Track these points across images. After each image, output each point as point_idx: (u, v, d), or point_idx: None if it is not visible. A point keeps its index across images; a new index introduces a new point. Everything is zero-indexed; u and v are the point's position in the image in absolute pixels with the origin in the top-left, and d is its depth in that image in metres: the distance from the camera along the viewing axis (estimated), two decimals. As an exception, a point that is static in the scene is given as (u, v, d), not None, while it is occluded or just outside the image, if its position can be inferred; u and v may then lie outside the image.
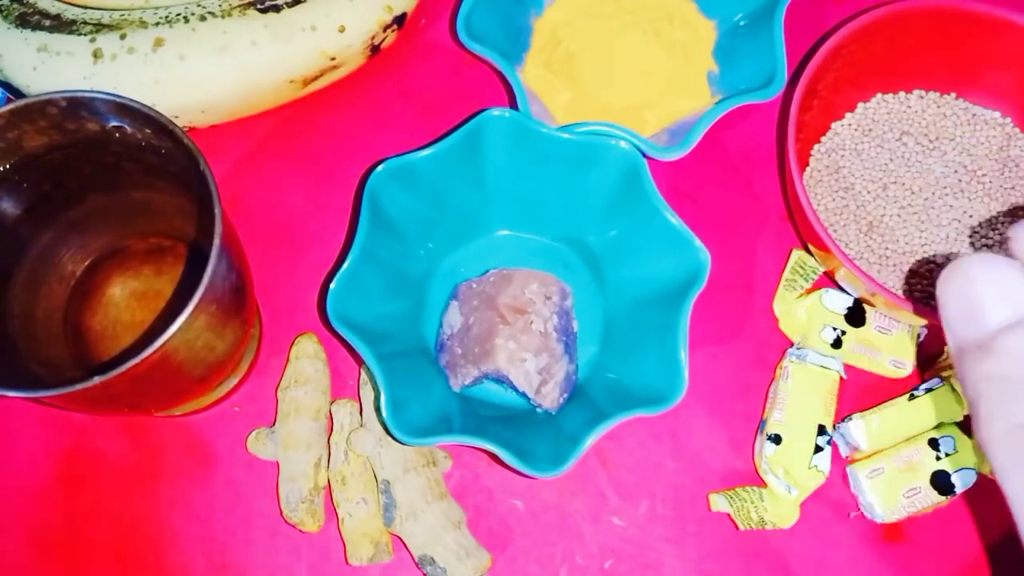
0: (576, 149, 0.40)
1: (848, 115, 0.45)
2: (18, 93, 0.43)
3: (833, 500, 0.41)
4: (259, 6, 0.43)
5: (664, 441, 0.42)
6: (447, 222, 0.42)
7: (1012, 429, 0.19)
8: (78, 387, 0.29)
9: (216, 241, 0.31)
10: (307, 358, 0.41)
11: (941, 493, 0.39)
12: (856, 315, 0.42)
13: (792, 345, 0.43)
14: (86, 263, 0.41)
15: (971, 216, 0.43)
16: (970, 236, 0.42)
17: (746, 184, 0.46)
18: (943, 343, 0.43)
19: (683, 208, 0.45)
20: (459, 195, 0.41)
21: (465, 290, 0.41)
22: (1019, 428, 0.19)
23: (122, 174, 0.37)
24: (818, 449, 0.40)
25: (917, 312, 0.37)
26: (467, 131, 0.39)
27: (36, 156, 0.35)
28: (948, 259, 0.42)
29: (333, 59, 0.45)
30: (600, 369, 0.41)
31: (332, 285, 0.37)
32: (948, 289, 0.21)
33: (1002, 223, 0.43)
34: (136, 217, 0.41)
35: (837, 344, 0.42)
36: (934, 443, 0.39)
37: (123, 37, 0.42)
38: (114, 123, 0.34)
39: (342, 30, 0.44)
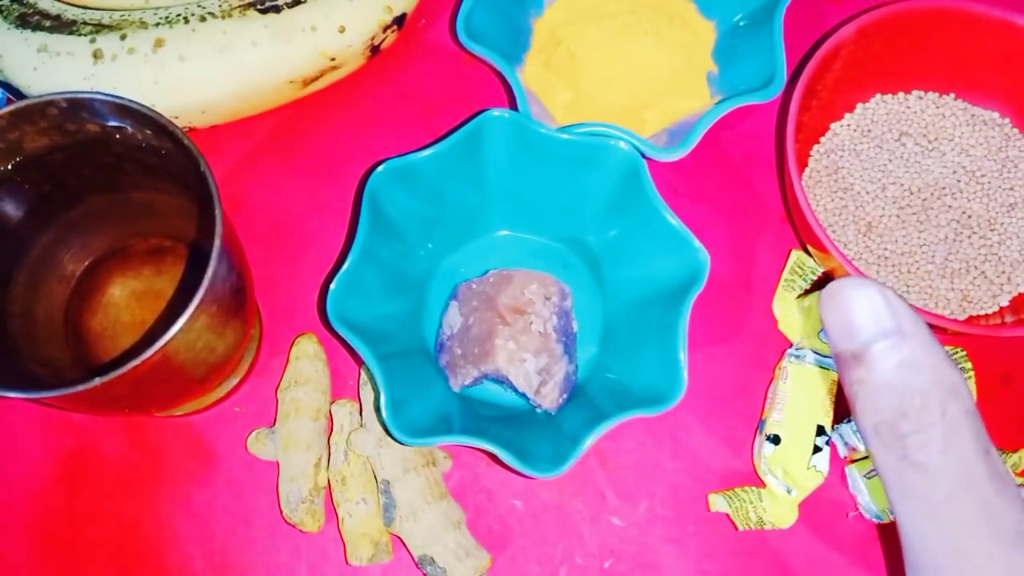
0: (576, 149, 0.40)
1: (847, 115, 0.46)
2: (18, 93, 0.43)
3: (832, 500, 0.41)
4: (259, 6, 0.43)
5: (664, 441, 0.42)
6: (447, 222, 0.42)
7: (878, 423, 0.24)
8: (79, 388, 0.29)
9: (217, 242, 0.31)
10: (307, 358, 0.42)
11: (940, 493, 0.39)
12: (855, 315, 0.42)
13: (791, 345, 0.43)
14: (86, 263, 0.41)
15: (970, 216, 0.43)
16: (969, 236, 0.43)
17: (746, 184, 0.46)
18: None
19: (683, 208, 0.45)
20: (459, 195, 0.42)
21: (465, 290, 0.41)
22: (883, 423, 0.24)
23: (122, 175, 0.37)
24: (817, 449, 0.40)
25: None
26: (467, 131, 0.39)
27: (37, 157, 0.35)
28: (947, 259, 0.42)
29: (333, 59, 0.45)
30: (600, 369, 0.41)
31: (332, 285, 0.37)
32: (828, 308, 0.25)
33: (1001, 223, 0.43)
34: (136, 218, 0.41)
35: (836, 344, 0.42)
36: (933, 443, 0.39)
37: (123, 38, 0.42)
38: (114, 124, 0.34)
39: (342, 30, 0.44)
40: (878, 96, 0.46)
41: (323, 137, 0.47)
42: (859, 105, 0.46)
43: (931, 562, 0.24)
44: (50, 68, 0.42)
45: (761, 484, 0.41)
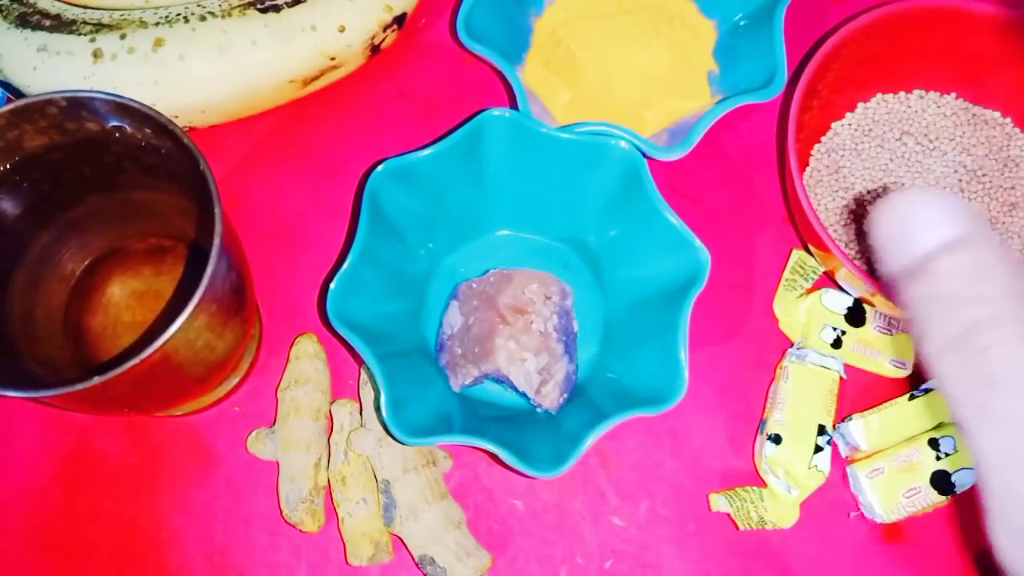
0: (576, 149, 0.40)
1: (848, 115, 0.45)
2: (18, 93, 0.43)
3: (833, 500, 0.41)
4: (259, 6, 0.43)
5: (664, 441, 0.42)
6: (447, 222, 0.42)
7: (948, 341, 0.21)
8: (78, 387, 0.29)
9: (216, 241, 0.31)
10: (307, 358, 0.41)
11: (941, 493, 0.39)
12: (856, 315, 0.42)
13: (792, 345, 0.43)
14: (86, 263, 0.41)
15: (971, 216, 0.43)
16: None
17: (746, 184, 0.46)
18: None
19: (683, 208, 0.45)
20: (459, 195, 0.41)
21: (465, 290, 0.41)
22: (954, 339, 0.21)
23: (122, 174, 0.37)
24: (818, 449, 0.40)
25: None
26: (467, 131, 0.39)
27: (36, 156, 0.35)
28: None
29: (333, 59, 0.45)
30: (600, 369, 0.41)
31: (332, 285, 0.37)
32: (883, 220, 0.23)
33: (1002, 223, 0.43)
34: (136, 217, 0.41)
35: (837, 344, 0.42)
36: (934, 443, 0.39)
37: (123, 37, 0.42)
38: (114, 123, 0.34)
39: (342, 30, 0.44)
40: (879, 95, 0.46)
41: (323, 137, 0.47)
42: (860, 104, 0.46)
43: (1018, 486, 0.21)
44: (50, 67, 0.42)
45: (762, 484, 0.41)
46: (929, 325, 0.22)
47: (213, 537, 0.41)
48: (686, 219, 0.39)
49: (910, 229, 0.22)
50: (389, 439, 0.39)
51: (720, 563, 0.40)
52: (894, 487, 0.39)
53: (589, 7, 0.47)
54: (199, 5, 0.43)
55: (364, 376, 0.42)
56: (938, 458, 0.39)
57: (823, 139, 0.45)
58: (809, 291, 0.43)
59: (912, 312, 0.22)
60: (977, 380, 0.21)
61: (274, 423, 0.41)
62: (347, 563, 0.39)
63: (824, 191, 0.44)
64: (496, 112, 0.39)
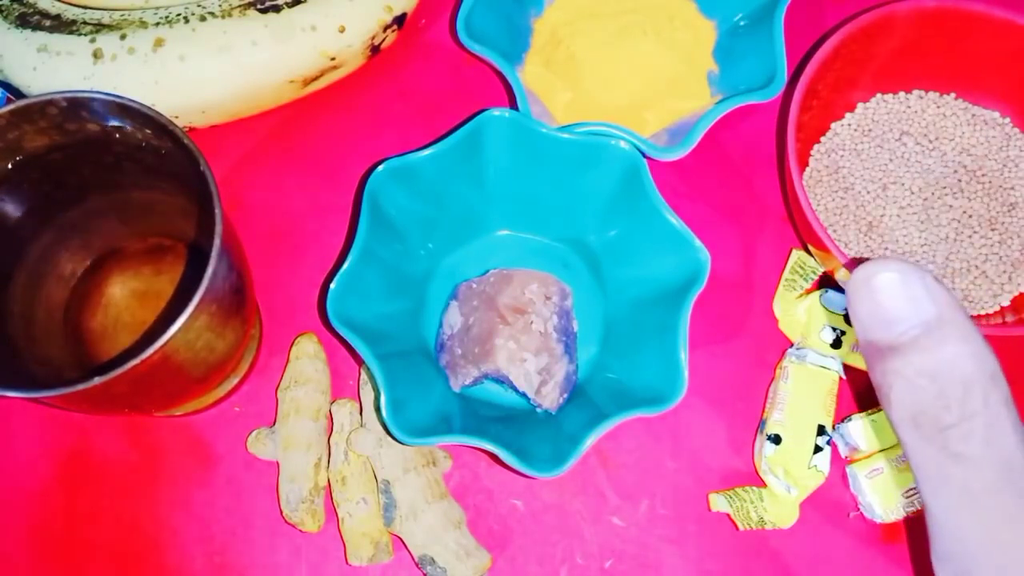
0: (576, 149, 0.40)
1: (848, 115, 0.45)
2: (18, 93, 0.43)
3: (833, 500, 0.41)
4: (259, 6, 0.43)
5: (664, 441, 0.42)
6: (447, 222, 0.42)
7: (916, 415, 0.23)
8: (78, 387, 0.29)
9: (216, 241, 0.31)
10: (307, 358, 0.42)
11: (941, 493, 0.39)
12: (856, 315, 0.42)
13: (792, 345, 0.43)
14: (86, 263, 0.41)
15: (971, 216, 0.43)
16: (970, 236, 0.42)
17: (746, 184, 0.46)
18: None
19: (683, 208, 0.45)
20: (459, 195, 0.42)
21: (465, 290, 0.41)
22: (922, 414, 0.23)
23: (122, 174, 0.37)
24: (818, 449, 0.40)
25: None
26: (467, 131, 0.39)
27: (36, 156, 0.35)
28: (948, 259, 0.42)
29: (333, 59, 0.45)
30: (600, 369, 0.41)
31: (332, 285, 0.37)
32: (859, 297, 0.24)
33: (1002, 223, 0.43)
34: (136, 217, 0.41)
35: (837, 344, 0.42)
36: (934, 443, 0.39)
37: (123, 37, 0.42)
38: (114, 123, 0.34)
39: (342, 30, 0.44)
40: (879, 95, 0.46)
41: (323, 137, 0.47)
42: (860, 105, 0.46)
43: (966, 553, 0.23)
44: (50, 68, 0.42)
45: (762, 484, 0.41)
46: (899, 398, 0.23)
47: (213, 537, 0.41)
48: (686, 219, 0.39)
49: (886, 307, 0.23)
50: (389, 439, 0.39)
51: (720, 563, 0.40)
52: (894, 487, 0.39)
53: (589, 7, 0.47)
54: (199, 5, 0.43)
55: (364, 376, 0.42)
56: (938, 458, 0.39)
57: (823, 139, 0.45)
58: (809, 291, 0.43)
59: (882, 382, 0.24)
60: (939, 452, 0.23)
61: (274, 423, 0.41)
62: (347, 563, 0.39)
63: (824, 191, 0.44)
64: (496, 112, 0.39)
